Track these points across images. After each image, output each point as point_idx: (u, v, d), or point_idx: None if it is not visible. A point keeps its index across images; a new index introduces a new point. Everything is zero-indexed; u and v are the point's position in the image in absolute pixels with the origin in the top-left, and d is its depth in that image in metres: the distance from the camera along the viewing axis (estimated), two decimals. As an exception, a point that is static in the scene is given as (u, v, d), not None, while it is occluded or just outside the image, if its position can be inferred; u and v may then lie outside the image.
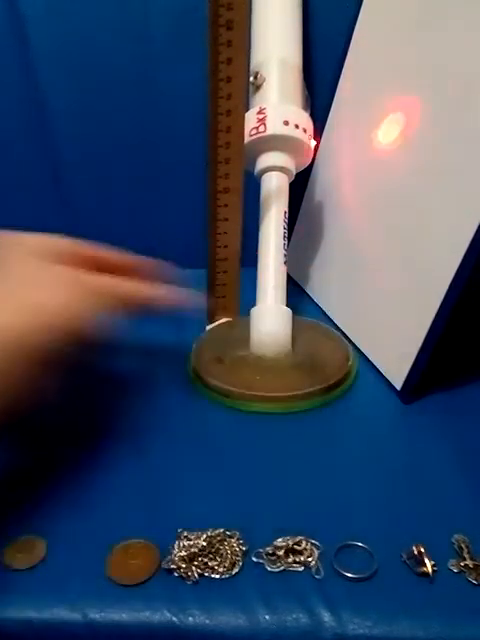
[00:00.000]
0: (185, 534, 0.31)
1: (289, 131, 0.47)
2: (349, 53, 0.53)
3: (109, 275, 0.34)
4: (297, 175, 0.50)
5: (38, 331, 0.29)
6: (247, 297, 0.46)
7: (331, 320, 0.51)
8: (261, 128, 0.46)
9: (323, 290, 0.54)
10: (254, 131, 0.46)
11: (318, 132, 0.53)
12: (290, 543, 0.30)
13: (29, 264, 0.31)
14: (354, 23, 0.52)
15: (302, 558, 0.30)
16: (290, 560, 0.30)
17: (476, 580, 0.29)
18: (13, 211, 0.61)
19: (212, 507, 0.33)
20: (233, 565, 0.29)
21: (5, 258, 0.31)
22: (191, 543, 0.30)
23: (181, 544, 0.30)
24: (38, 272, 0.31)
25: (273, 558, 0.30)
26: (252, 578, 0.29)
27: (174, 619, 0.27)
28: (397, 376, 0.42)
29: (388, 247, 0.45)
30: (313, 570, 0.29)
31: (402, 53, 0.46)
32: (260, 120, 0.46)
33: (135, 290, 0.35)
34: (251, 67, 0.49)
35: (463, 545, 0.30)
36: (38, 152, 0.59)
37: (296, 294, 0.55)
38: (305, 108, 0.50)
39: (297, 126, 0.47)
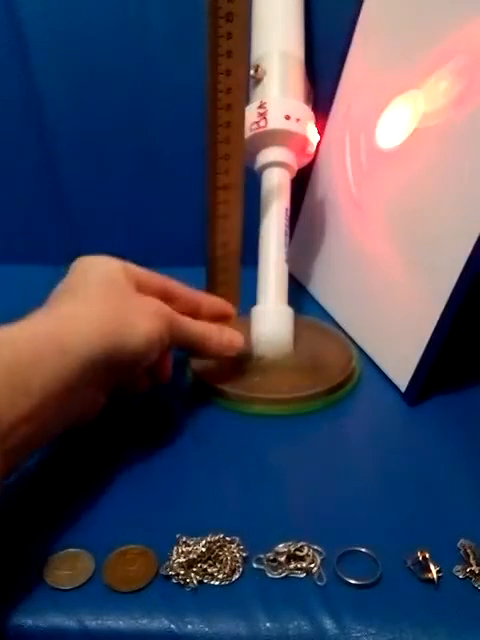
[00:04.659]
0: (184, 540, 0.30)
1: (291, 126, 0.46)
2: (352, 46, 0.52)
3: (181, 312, 0.36)
4: (299, 171, 0.49)
5: (121, 353, 0.31)
6: (247, 296, 0.46)
7: (334, 320, 0.51)
8: (262, 123, 0.46)
9: (326, 289, 0.54)
10: (255, 126, 0.46)
11: (320, 127, 0.52)
12: (291, 549, 0.30)
13: (114, 289, 0.33)
14: (357, 16, 0.52)
15: (304, 564, 0.29)
16: (292, 566, 0.29)
17: (482, 587, 0.28)
18: (11, 211, 0.61)
19: (211, 512, 0.32)
20: (233, 571, 0.29)
21: (89, 281, 0.34)
22: (190, 549, 0.29)
23: (180, 550, 0.29)
24: (125, 299, 0.33)
25: (274, 564, 0.29)
26: (253, 585, 0.29)
27: (172, 627, 0.27)
28: (402, 377, 0.41)
29: (392, 246, 0.45)
30: (315, 576, 0.29)
31: (405, 47, 0.45)
32: (261, 114, 0.46)
33: (203, 334, 0.38)
34: (252, 60, 0.49)
35: (469, 550, 0.30)
36: (35, 149, 0.59)
37: (298, 293, 0.55)
38: (307, 102, 0.49)
39: (299, 121, 0.46)
